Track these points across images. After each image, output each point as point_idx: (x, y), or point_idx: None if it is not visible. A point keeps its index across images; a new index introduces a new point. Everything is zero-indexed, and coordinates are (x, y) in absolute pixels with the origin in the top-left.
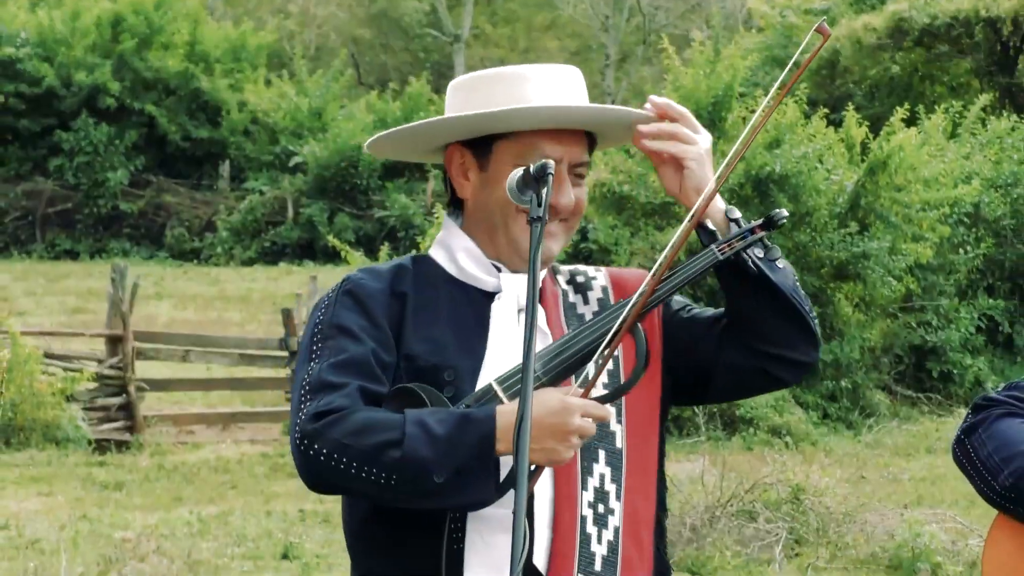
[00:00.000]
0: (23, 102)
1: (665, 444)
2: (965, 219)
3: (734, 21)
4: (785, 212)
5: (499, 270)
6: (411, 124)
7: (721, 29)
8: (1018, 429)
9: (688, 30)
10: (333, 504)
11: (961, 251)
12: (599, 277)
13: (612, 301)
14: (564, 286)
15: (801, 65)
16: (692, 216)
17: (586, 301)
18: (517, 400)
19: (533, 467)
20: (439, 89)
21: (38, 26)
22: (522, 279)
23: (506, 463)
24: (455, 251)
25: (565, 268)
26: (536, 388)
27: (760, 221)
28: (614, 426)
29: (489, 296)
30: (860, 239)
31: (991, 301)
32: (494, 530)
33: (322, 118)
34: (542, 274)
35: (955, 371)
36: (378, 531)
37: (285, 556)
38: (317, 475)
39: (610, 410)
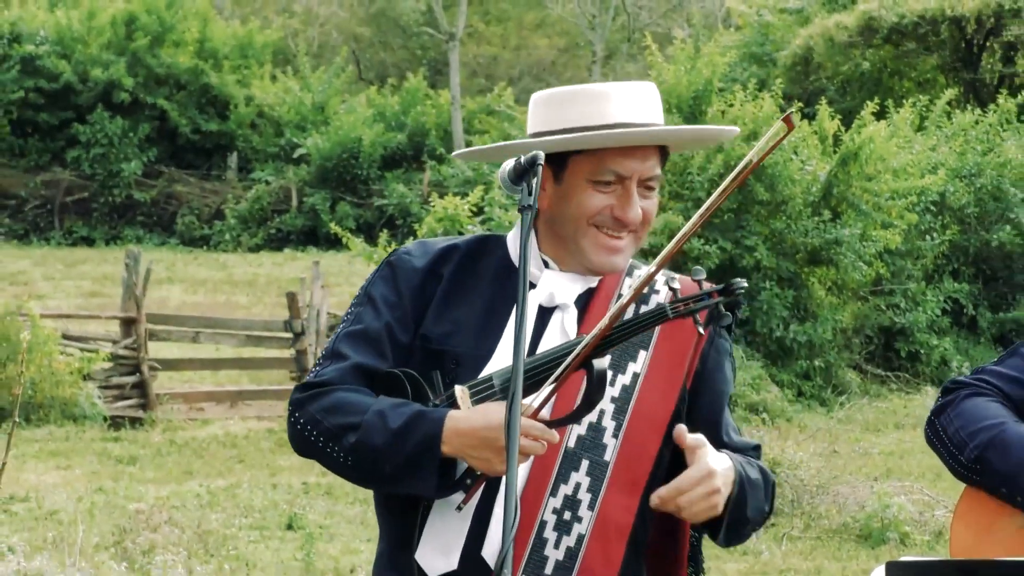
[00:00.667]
0: (42, 97)
1: (671, 463)
2: (932, 207)
3: (713, 20)
4: (744, 283)
5: (547, 265)
6: (498, 144)
7: (701, 27)
8: (984, 406)
9: (670, 28)
10: (335, 477)
11: (928, 237)
12: (662, 293)
13: None
14: (625, 290)
15: (764, 152)
16: (651, 272)
17: (636, 312)
18: (470, 409)
19: (479, 472)
20: (435, 84)
21: (56, 25)
22: (565, 278)
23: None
24: (517, 240)
25: (639, 272)
26: (491, 400)
27: (719, 287)
28: (608, 439)
29: (532, 287)
30: (832, 226)
31: (956, 285)
32: (452, 515)
33: (324, 112)
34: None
35: (922, 351)
36: (381, 497)
37: (290, 526)
38: (295, 441)
39: (554, 434)
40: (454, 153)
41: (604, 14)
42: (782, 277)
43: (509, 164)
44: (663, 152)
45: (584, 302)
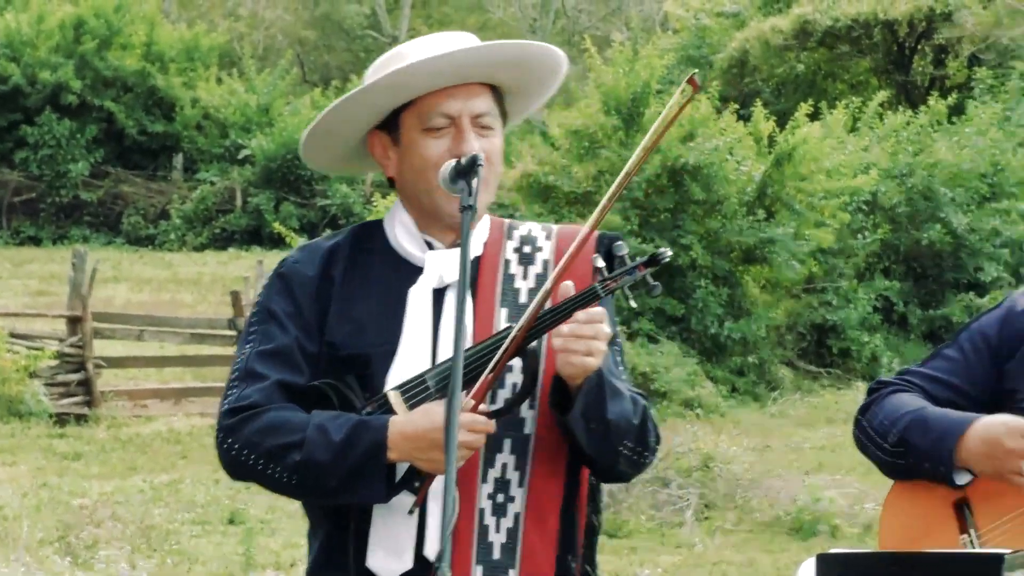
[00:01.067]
0: None
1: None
2: (864, 207)
3: (651, 23)
4: (669, 252)
5: (431, 246)
6: (315, 120)
7: (640, 31)
8: (905, 398)
9: (609, 32)
10: None
11: (860, 236)
12: (545, 249)
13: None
14: (510, 254)
15: (671, 117)
16: (568, 256)
17: (525, 275)
18: (412, 412)
19: (426, 473)
20: None
21: (5, 28)
22: (449, 256)
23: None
24: (394, 223)
25: (519, 232)
26: (429, 401)
27: (644, 259)
28: (525, 412)
29: (419, 271)
30: (767, 225)
31: (887, 283)
32: (396, 518)
33: (269, 113)
34: (484, 233)
35: (853, 347)
36: (312, 507)
37: (231, 521)
38: (230, 466)
39: (493, 425)
40: (304, 158)
41: (544, 17)
42: (717, 275)
43: (449, 164)
44: (497, 93)
45: (473, 274)
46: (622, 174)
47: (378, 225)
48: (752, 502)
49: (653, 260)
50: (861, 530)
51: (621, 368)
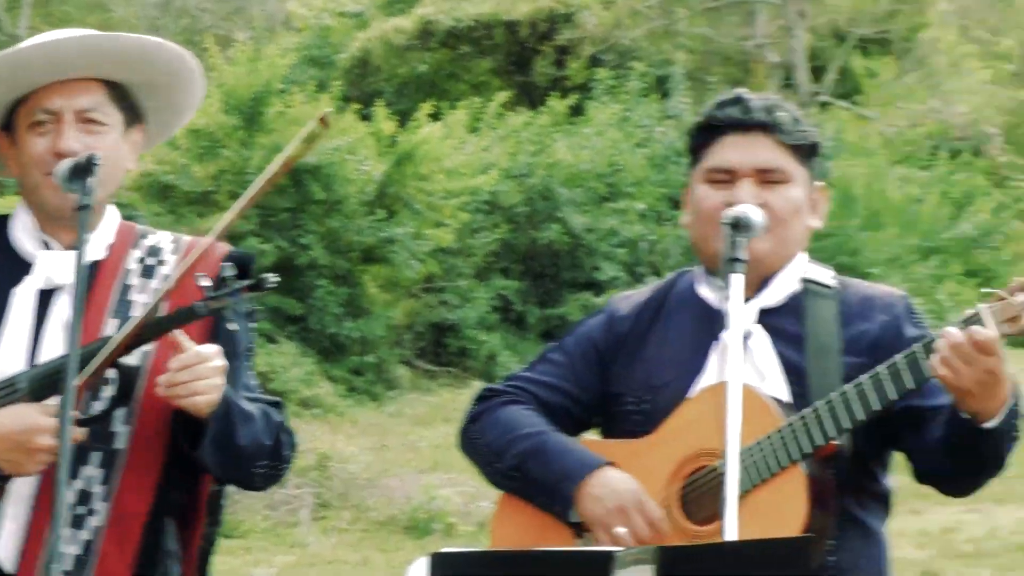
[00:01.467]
0: None
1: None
2: (484, 206)
3: (274, 23)
4: (274, 277)
5: (48, 247)
6: None
7: (263, 30)
8: (520, 414)
9: (231, 31)
10: None
11: (479, 236)
12: (168, 263)
13: None
14: (133, 263)
15: (300, 150)
16: (173, 279)
17: (143, 288)
18: (1, 412)
19: (5, 474)
20: None
21: None
22: (63, 257)
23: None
24: (16, 223)
25: (148, 242)
26: (18, 402)
27: (249, 283)
28: (120, 428)
29: (28, 269)
30: (387, 225)
31: (505, 282)
32: None
33: None
34: (108, 237)
35: (471, 347)
36: None
37: None
38: None
39: (81, 432)
40: None
41: (167, 16)
42: (337, 275)
43: (66, 163)
44: (116, 89)
45: (89, 279)
46: (241, 200)
47: (2, 221)
48: (368, 501)
49: (257, 285)
50: (476, 528)
51: (254, 382)
